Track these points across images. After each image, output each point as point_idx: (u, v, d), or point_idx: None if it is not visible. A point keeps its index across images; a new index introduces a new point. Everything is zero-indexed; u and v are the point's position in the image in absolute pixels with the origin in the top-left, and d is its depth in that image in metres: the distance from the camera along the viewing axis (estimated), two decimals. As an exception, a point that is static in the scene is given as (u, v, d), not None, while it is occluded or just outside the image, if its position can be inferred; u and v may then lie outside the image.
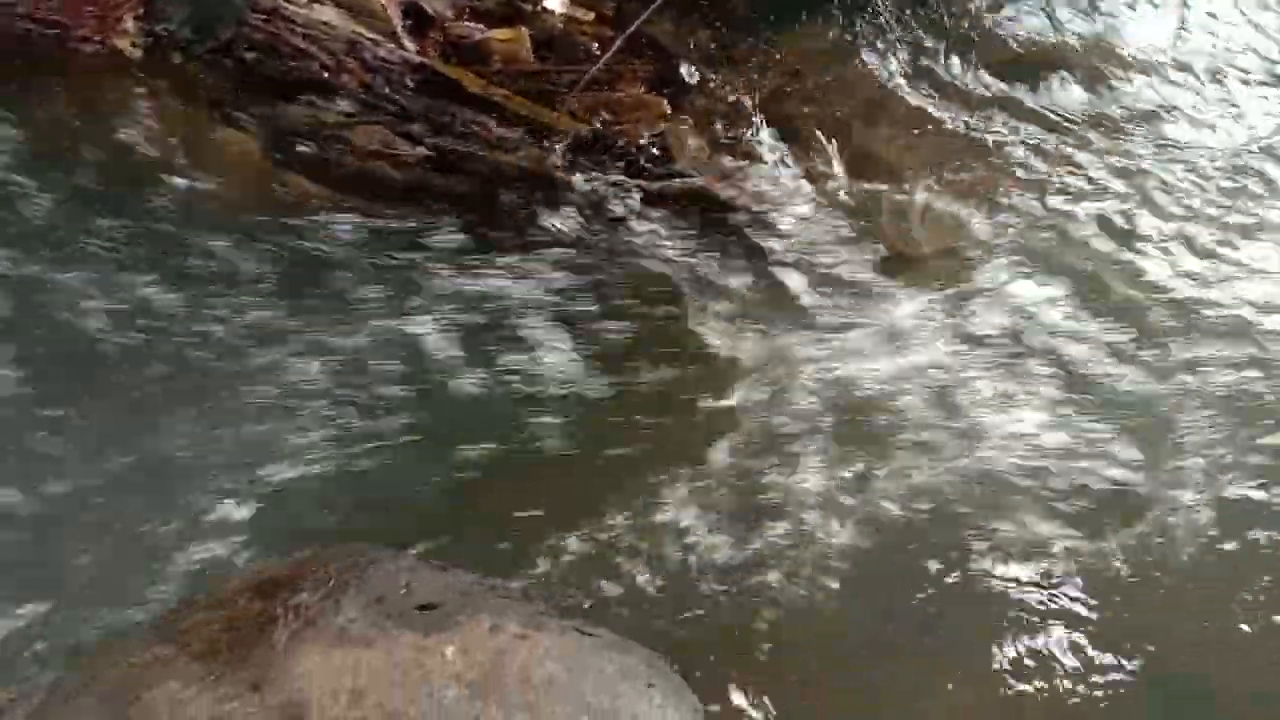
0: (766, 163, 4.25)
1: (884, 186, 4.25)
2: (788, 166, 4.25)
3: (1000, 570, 3.12)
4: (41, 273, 3.60)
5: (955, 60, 4.72)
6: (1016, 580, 3.10)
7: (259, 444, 3.29)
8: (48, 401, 3.31)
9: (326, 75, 4.04)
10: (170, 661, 2.29)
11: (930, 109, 4.53)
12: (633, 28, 4.33)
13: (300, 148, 3.98)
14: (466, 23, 4.29)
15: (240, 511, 3.12)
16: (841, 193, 4.22)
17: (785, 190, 4.19)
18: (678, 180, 4.18)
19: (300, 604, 2.43)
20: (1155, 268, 4.15)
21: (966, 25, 4.82)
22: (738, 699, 2.75)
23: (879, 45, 4.68)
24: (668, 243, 4.04)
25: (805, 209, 4.16)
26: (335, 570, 2.55)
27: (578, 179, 4.13)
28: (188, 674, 2.23)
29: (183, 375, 3.45)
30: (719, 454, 3.39)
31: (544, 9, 4.36)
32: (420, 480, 3.25)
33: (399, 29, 4.18)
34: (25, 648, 2.71)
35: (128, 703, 2.16)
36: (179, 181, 3.88)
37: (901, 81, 4.59)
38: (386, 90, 4.10)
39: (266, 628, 2.37)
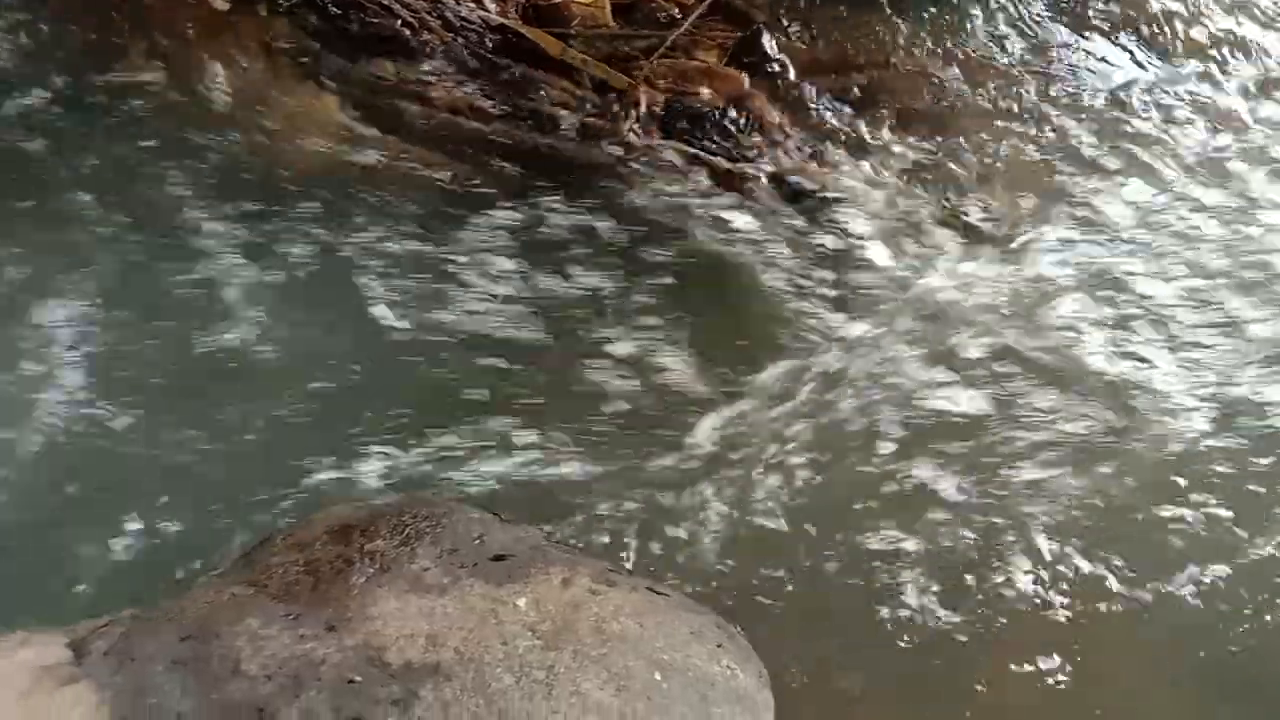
0: (848, 144, 4.20)
1: (973, 176, 4.17)
2: (871, 151, 4.18)
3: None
4: (119, 226, 3.64)
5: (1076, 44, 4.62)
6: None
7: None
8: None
9: (409, 33, 4.06)
10: (249, 601, 2.32)
11: (1043, 106, 4.42)
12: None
13: (379, 105, 4.00)
14: (549, -17, 4.29)
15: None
16: (925, 182, 4.14)
17: (865, 175, 4.14)
18: (751, 155, 4.15)
19: (376, 550, 2.45)
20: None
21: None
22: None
23: (984, 21, 4.58)
24: (736, 219, 3.99)
25: (882, 195, 4.09)
26: (410, 519, 2.57)
27: (651, 146, 4.12)
28: (267, 613, 2.26)
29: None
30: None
31: (626, -30, 4.35)
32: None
33: (480, -13, 4.19)
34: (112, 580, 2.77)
35: (208, 639, 2.19)
36: (257, 136, 3.92)
37: (1009, 63, 4.50)
38: (466, 50, 4.12)
39: (343, 571, 2.40)
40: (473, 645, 2.17)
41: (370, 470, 3.08)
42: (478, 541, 2.56)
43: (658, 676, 2.25)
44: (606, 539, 2.99)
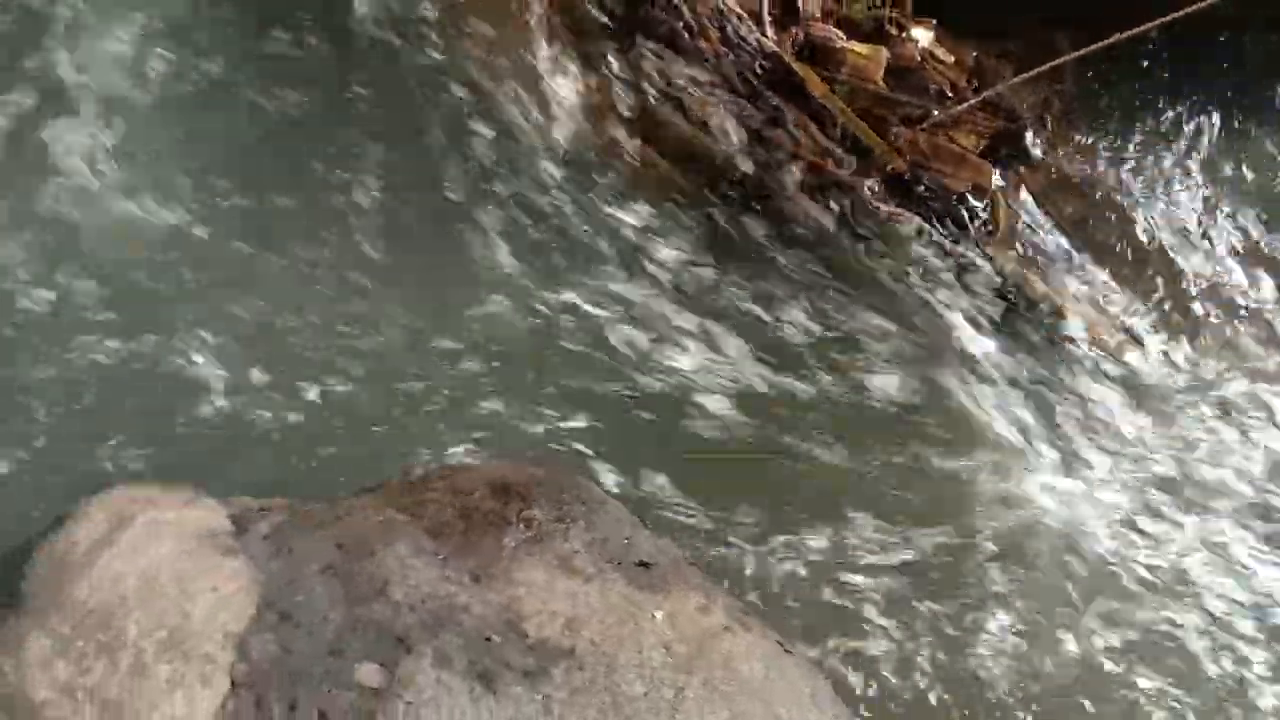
0: (1087, 268, 4.10)
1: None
2: (1117, 283, 4.07)
3: None
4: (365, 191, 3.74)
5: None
6: None
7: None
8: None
9: (686, 36, 4.08)
10: (403, 528, 2.35)
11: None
12: (997, 89, 4.23)
13: (639, 100, 4.03)
14: (830, 27, 4.27)
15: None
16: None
17: (1105, 308, 4.02)
18: (985, 252, 4.08)
19: (533, 518, 2.45)
20: None
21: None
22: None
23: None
24: (957, 311, 3.94)
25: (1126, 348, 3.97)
26: (568, 499, 2.57)
27: (884, 211, 4.08)
28: (418, 545, 2.28)
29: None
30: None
31: (909, 37, 4.30)
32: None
33: (765, 13, 4.19)
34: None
35: (361, 554, 2.22)
36: (521, 108, 3.97)
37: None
38: (734, 68, 4.12)
39: (496, 527, 2.41)
40: (609, 642, 2.15)
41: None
42: (626, 541, 2.54)
43: (774, 732, 2.20)
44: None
